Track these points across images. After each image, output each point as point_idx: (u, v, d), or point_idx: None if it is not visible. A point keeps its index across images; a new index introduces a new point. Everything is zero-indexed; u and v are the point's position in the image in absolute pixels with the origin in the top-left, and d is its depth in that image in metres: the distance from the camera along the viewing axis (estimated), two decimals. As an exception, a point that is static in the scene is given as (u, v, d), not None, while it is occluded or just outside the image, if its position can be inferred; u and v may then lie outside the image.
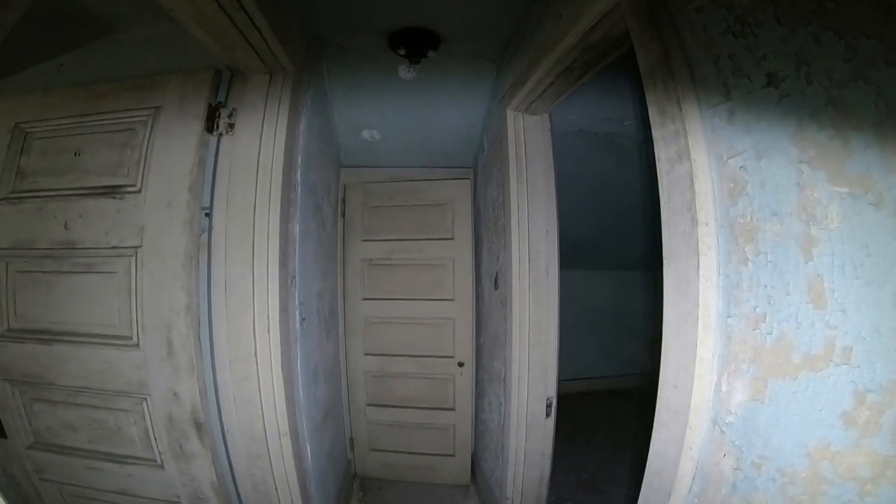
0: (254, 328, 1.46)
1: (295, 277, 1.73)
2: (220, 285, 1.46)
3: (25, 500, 1.61)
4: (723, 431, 0.78)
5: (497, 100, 2.06)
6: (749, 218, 0.71)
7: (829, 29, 0.59)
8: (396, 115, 2.44)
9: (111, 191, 1.41)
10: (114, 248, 1.40)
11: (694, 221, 0.78)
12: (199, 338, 1.41)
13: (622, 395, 4.56)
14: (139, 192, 1.39)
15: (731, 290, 0.75)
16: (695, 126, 0.80)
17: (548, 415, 1.95)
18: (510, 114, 1.88)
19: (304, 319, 1.86)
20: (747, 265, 0.72)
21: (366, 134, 2.56)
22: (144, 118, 1.42)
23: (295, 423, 1.63)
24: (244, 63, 1.44)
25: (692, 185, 0.79)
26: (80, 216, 1.42)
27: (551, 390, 1.92)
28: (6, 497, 1.61)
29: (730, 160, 0.75)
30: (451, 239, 2.74)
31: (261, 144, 1.48)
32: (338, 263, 2.80)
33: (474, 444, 2.88)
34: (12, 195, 1.47)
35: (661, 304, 0.92)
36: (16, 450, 1.55)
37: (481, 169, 2.57)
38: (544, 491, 2.06)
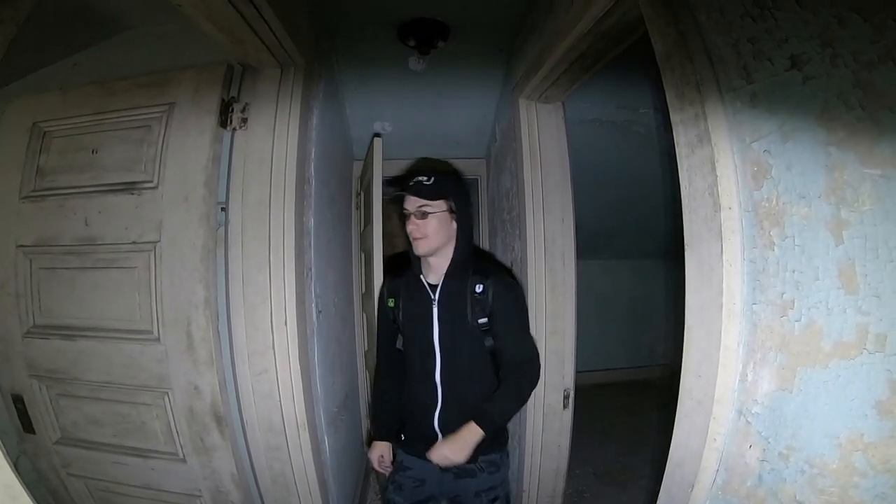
0: (271, 321, 1.47)
1: (311, 270, 1.73)
2: (237, 279, 1.47)
3: (54, 495, 1.64)
4: (748, 422, 0.76)
5: (509, 89, 2.04)
6: (775, 201, 0.69)
7: (852, 11, 0.56)
8: (407, 107, 2.43)
9: (129, 187, 1.42)
10: (133, 243, 1.42)
11: (716, 206, 0.76)
12: (218, 331, 1.42)
13: (640, 386, 4.52)
14: (156, 187, 1.40)
15: (757, 275, 0.73)
16: (715, 109, 0.78)
17: (565, 406, 1.93)
18: (523, 103, 1.85)
19: (320, 312, 1.87)
20: (773, 250, 0.69)
21: (377, 126, 2.55)
22: (159, 114, 1.42)
23: (313, 415, 1.65)
24: (255, 57, 1.44)
25: (714, 169, 0.76)
26: (99, 212, 1.43)
27: (569, 381, 1.90)
28: (36, 492, 1.64)
29: (753, 143, 0.72)
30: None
31: (274, 138, 1.48)
32: (353, 255, 2.80)
33: None
34: (33, 193, 1.49)
35: (681, 292, 0.90)
36: (44, 445, 1.58)
37: (494, 159, 2.55)
38: (561, 483, 2.06)
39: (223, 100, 1.43)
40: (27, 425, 1.56)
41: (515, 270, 2.09)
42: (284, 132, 1.49)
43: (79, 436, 1.55)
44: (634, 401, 4.17)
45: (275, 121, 1.48)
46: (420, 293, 1.42)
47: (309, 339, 1.69)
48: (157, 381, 1.44)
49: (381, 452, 1.55)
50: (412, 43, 1.83)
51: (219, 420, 1.43)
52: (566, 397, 1.92)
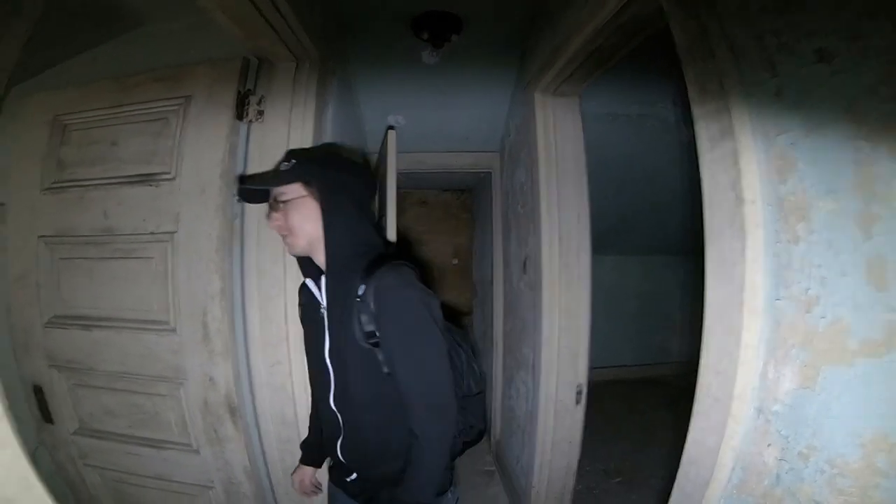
0: (285, 313, 1.48)
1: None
2: (252, 270, 1.48)
3: (70, 487, 1.65)
4: (768, 420, 0.75)
5: (524, 83, 2.03)
6: (800, 195, 0.67)
7: (881, 3, 0.55)
8: (421, 100, 2.42)
9: (147, 179, 1.44)
10: (151, 234, 1.43)
11: (739, 200, 0.74)
12: (233, 322, 1.44)
13: (652, 383, 4.49)
14: (173, 179, 1.42)
15: (780, 271, 0.71)
16: (738, 103, 0.76)
17: (577, 402, 1.92)
18: (538, 97, 1.84)
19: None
20: (798, 244, 0.68)
21: (391, 119, 2.55)
22: (176, 107, 1.43)
23: None
24: (270, 50, 1.45)
25: (737, 163, 0.75)
26: (118, 204, 1.45)
27: (582, 377, 1.89)
28: (53, 484, 1.66)
29: (778, 137, 0.71)
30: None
31: (290, 131, 1.48)
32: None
33: (500, 431, 2.87)
34: (54, 185, 1.51)
35: (694, 288, 0.89)
36: (62, 435, 1.59)
37: (508, 153, 2.54)
38: (571, 480, 2.05)
39: (239, 92, 1.43)
40: (46, 415, 1.58)
41: (529, 265, 2.08)
42: (300, 125, 1.49)
43: (95, 426, 1.57)
44: (644, 398, 4.15)
45: (290, 113, 1.49)
46: (311, 298, 1.16)
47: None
48: (172, 372, 1.45)
49: (301, 477, 1.38)
50: (425, 36, 1.82)
51: (233, 411, 1.44)
52: (579, 393, 1.91)
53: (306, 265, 1.17)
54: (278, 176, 1.08)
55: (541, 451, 1.97)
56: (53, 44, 1.47)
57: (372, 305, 1.00)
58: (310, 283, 1.15)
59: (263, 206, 1.45)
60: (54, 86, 1.55)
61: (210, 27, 1.34)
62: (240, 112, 1.44)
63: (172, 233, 1.41)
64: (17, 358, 1.57)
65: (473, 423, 1.22)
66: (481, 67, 2.17)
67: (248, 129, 1.48)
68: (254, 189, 1.14)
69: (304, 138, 1.49)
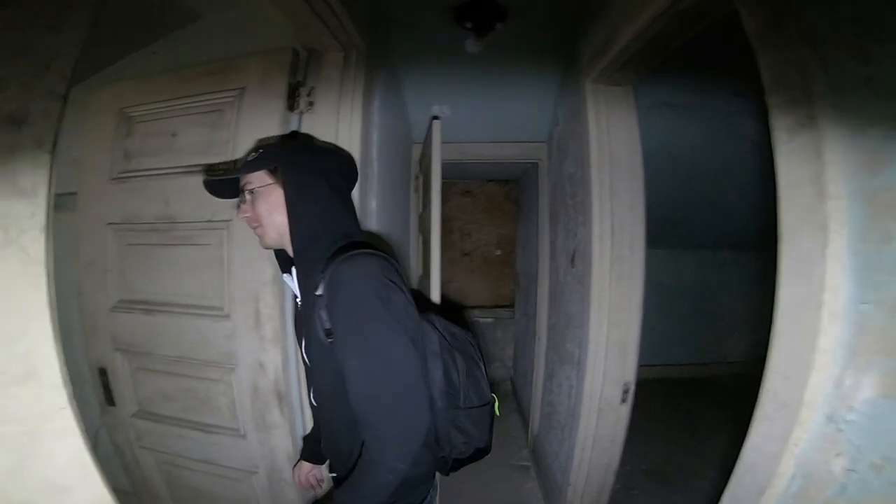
0: (334, 301, 1.50)
1: (372, 252, 1.76)
2: (302, 259, 1.52)
3: (126, 468, 1.73)
4: (840, 429, 0.70)
5: (573, 71, 1.97)
6: (894, 192, 0.62)
7: None
8: (465, 90, 2.40)
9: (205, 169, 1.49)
10: (208, 221, 1.49)
11: (821, 195, 0.69)
12: (284, 309, 1.47)
13: (700, 383, 4.32)
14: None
15: (867, 272, 0.66)
16: (820, 92, 0.70)
17: (623, 400, 1.88)
18: (589, 86, 1.78)
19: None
20: (890, 244, 0.63)
21: (436, 109, 2.55)
22: (231, 99, 1.48)
23: None
24: (318, 41, 1.46)
25: (820, 156, 0.69)
26: (177, 192, 1.51)
27: (629, 375, 1.84)
28: (110, 466, 1.72)
29: (869, 129, 0.65)
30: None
31: (339, 121, 1.49)
32: (412, 238, 2.83)
33: (538, 426, 2.85)
34: (121, 175, 1.59)
35: (755, 286, 0.84)
36: (122, 418, 1.67)
37: (556, 143, 2.48)
38: (610, 479, 2.00)
39: (290, 84, 1.46)
40: (109, 398, 1.66)
41: (578, 258, 2.03)
42: (348, 115, 1.50)
43: (152, 409, 1.64)
44: (692, 398, 4.01)
45: (339, 104, 1.50)
46: (292, 293, 1.12)
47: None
48: (225, 358, 1.50)
49: (299, 471, 1.38)
50: (469, 25, 1.79)
51: (280, 398, 1.47)
52: (626, 392, 1.86)
53: (282, 258, 1.10)
54: (245, 165, 1.02)
55: (581, 449, 1.94)
56: (117, 39, 1.55)
57: (326, 299, 0.91)
58: (286, 277, 1.09)
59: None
60: (119, 79, 1.63)
61: (260, 19, 1.37)
62: (291, 103, 1.46)
63: (228, 220, 1.46)
64: (86, 341, 1.66)
65: (469, 439, 1.09)
66: (527, 56, 2.12)
67: (300, 119, 1.50)
68: (223, 183, 1.08)
69: (352, 129, 1.50)
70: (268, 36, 1.50)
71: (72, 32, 0.51)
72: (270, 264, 1.43)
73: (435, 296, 1.96)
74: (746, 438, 0.88)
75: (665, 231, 3.72)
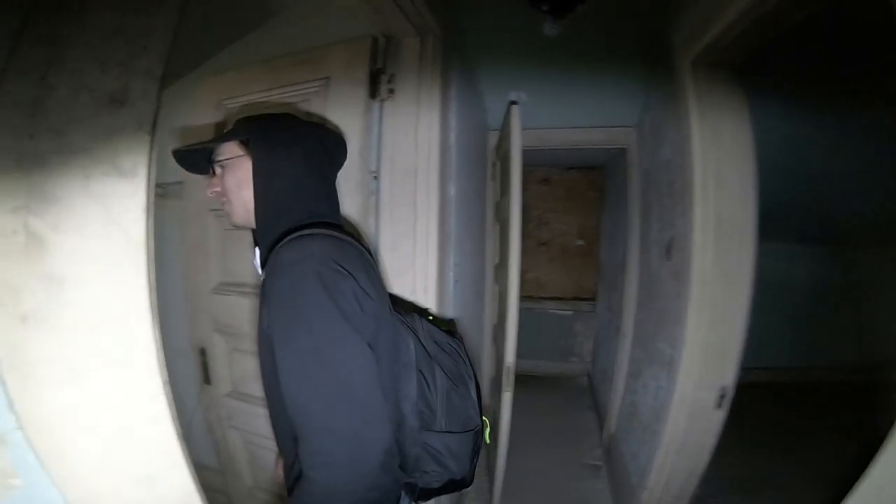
0: (413, 288, 1.51)
1: (451, 238, 1.74)
2: (386, 245, 1.53)
3: (215, 446, 1.84)
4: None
5: (666, 51, 1.79)
6: None
7: None
8: (543, 74, 2.28)
9: (295, 157, 1.54)
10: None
11: None
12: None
13: (802, 389, 3.85)
14: (317, 157, 1.50)
15: None
16: None
17: (719, 405, 1.70)
18: (688, 67, 1.60)
19: (457, 281, 1.89)
20: None
21: (513, 95, 2.45)
22: (317, 88, 1.51)
23: None
24: (395, 27, 1.45)
25: None
26: (272, 180, 1.58)
27: (728, 379, 1.66)
28: (202, 444, 1.84)
29: None
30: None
31: (419, 108, 1.49)
32: (488, 226, 2.79)
33: (615, 425, 2.72)
34: (222, 164, 1.70)
35: (872, 287, 0.68)
36: (216, 396, 1.77)
37: (649, 128, 2.30)
38: (692, 485, 1.86)
39: (371, 71, 1.46)
40: (206, 377, 1.77)
41: (675, 251, 1.86)
42: (427, 102, 1.49)
43: (242, 389, 1.73)
44: (792, 405, 3.62)
45: (418, 90, 1.49)
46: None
47: (445, 308, 1.72)
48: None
49: (277, 465, 1.15)
50: (545, 7, 1.68)
51: None
52: (722, 396, 1.69)
53: (254, 237, 0.98)
54: (216, 136, 0.94)
55: (664, 452, 1.81)
56: (213, 32, 1.63)
57: (266, 284, 0.80)
58: (255, 257, 0.96)
59: (395, 182, 1.51)
60: (216, 72, 1.72)
61: (338, 6, 1.37)
62: (373, 91, 1.47)
63: (318, 208, 1.50)
64: (191, 322, 1.79)
65: (443, 468, 0.93)
66: (610, 37, 1.96)
67: (381, 107, 1.51)
68: (197, 156, 0.97)
69: (432, 115, 1.49)
70: (347, 23, 1.51)
71: (164, 13, 0.52)
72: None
73: (513, 285, 1.91)
74: (880, 454, 0.74)
75: (775, 223, 3.32)
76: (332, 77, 1.49)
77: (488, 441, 0.99)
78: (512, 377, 1.94)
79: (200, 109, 1.72)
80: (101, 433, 0.57)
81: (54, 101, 0.51)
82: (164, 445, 0.61)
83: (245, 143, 0.90)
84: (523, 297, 2.24)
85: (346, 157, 1.05)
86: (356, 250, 0.84)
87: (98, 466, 0.57)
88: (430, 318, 1.08)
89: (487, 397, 2.84)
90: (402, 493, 0.93)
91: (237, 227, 0.97)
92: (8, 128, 0.50)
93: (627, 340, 2.64)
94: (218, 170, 0.94)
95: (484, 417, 1.03)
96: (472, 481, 1.00)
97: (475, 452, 0.99)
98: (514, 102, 2.13)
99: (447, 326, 1.09)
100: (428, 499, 0.97)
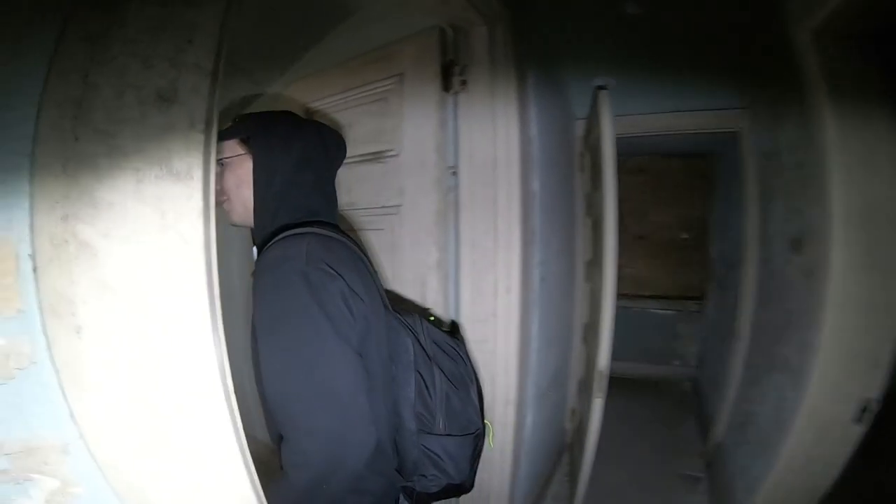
0: (496, 287, 1.45)
1: (535, 235, 1.66)
2: (466, 243, 1.49)
3: None
4: None
5: (780, 21, 1.54)
6: None
7: None
8: (631, 57, 2.08)
9: (377, 156, 1.56)
10: (382, 207, 1.55)
11: None
12: (447, 295, 1.46)
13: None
14: (398, 155, 1.50)
15: None
16: None
17: (858, 420, 1.44)
18: (810, 37, 1.35)
19: (543, 279, 1.79)
20: None
21: (599, 80, 2.27)
22: (392, 86, 1.50)
23: (523, 390, 1.59)
24: (461, 15, 1.40)
25: None
26: (356, 181, 1.61)
27: (874, 391, 1.39)
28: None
29: None
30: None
31: (493, 99, 1.43)
32: (577, 221, 2.62)
33: (723, 435, 2.45)
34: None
35: None
36: None
37: (763, 109, 2.01)
38: None
39: (442, 64, 1.42)
40: None
41: (806, 244, 1.59)
42: (502, 92, 1.42)
43: None
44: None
45: (492, 80, 1.43)
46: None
47: (530, 308, 1.63)
48: (397, 344, 1.56)
49: None
50: None
51: None
52: (864, 410, 1.42)
53: (252, 236, 0.99)
54: (223, 134, 0.93)
55: (783, 468, 1.59)
56: (295, 37, 1.67)
57: (255, 282, 0.80)
58: (255, 255, 0.96)
59: (474, 177, 1.45)
60: (301, 77, 1.79)
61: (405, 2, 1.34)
62: (445, 84, 1.43)
63: (398, 206, 1.50)
64: None
65: (441, 472, 0.91)
66: (704, 10, 1.70)
67: (456, 100, 1.47)
68: None
69: (508, 105, 1.42)
70: (415, 17, 1.47)
71: (210, 6, 0.50)
72: (436, 248, 1.43)
73: (609, 283, 1.78)
74: None
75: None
76: (405, 73, 1.47)
77: (491, 446, 0.98)
78: (605, 383, 1.80)
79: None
80: (160, 447, 0.56)
81: (98, 100, 0.50)
82: (227, 454, 0.59)
83: (245, 142, 0.90)
84: (619, 296, 2.06)
85: (345, 155, 1.04)
86: (347, 249, 0.84)
87: (155, 479, 0.56)
88: (432, 318, 1.05)
89: (572, 399, 2.69)
90: (401, 497, 0.93)
91: (235, 226, 0.97)
92: (51, 130, 0.50)
93: (743, 344, 2.35)
94: (217, 168, 0.91)
95: (486, 421, 1.00)
96: (472, 486, 0.98)
97: (475, 456, 0.97)
98: (602, 87, 1.97)
99: (449, 328, 1.06)
100: None
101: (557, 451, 2.60)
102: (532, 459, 1.95)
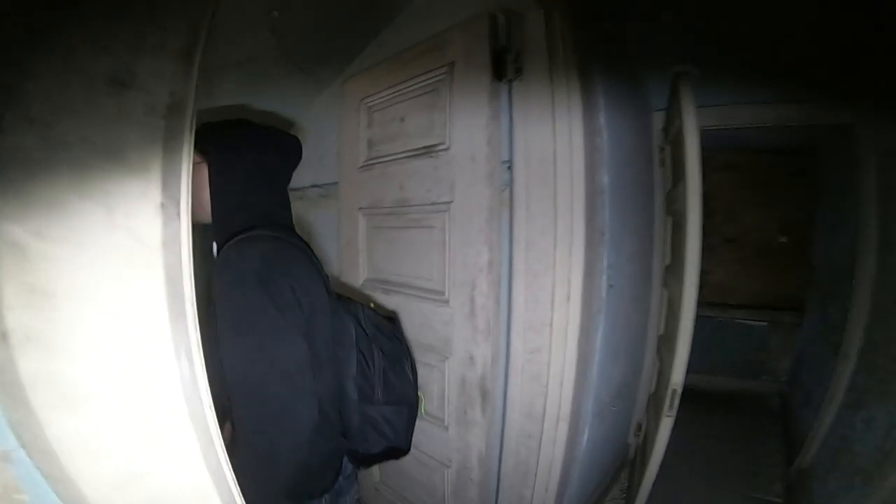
0: (553, 294, 1.33)
1: (604, 235, 1.51)
2: (520, 243, 1.38)
3: None
4: None
5: None
6: None
7: None
8: (715, 41, 1.85)
9: (428, 151, 1.48)
10: (433, 203, 1.48)
11: None
12: (499, 299, 1.36)
13: None
14: (448, 149, 1.42)
15: None
16: None
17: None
18: None
19: (611, 286, 1.62)
20: None
21: (678, 69, 2.04)
22: (442, 76, 1.43)
23: (579, 405, 1.46)
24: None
25: None
26: (408, 177, 1.55)
27: None
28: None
29: None
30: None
31: (552, 87, 1.30)
32: (657, 221, 2.37)
33: (811, 460, 2.17)
34: (366, 163, 1.73)
35: None
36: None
37: (883, 96, 1.69)
38: None
39: (494, 51, 1.32)
40: None
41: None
42: (562, 79, 1.29)
43: None
44: None
45: (550, 67, 1.30)
46: None
47: (594, 317, 1.49)
48: (442, 344, 1.49)
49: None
50: None
51: (484, 395, 1.39)
52: None
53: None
54: None
55: (883, 502, 1.34)
56: (351, 34, 1.66)
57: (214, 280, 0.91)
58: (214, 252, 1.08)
59: (530, 172, 1.33)
60: (358, 72, 1.76)
61: None
62: (498, 72, 1.32)
63: (449, 202, 1.43)
64: None
65: (381, 436, 1.08)
66: None
67: (510, 89, 1.36)
68: None
69: (571, 94, 1.28)
70: (463, 2, 1.40)
71: None
72: (487, 249, 1.34)
73: (690, 290, 1.60)
74: None
75: None
76: (455, 62, 1.38)
77: (423, 412, 1.18)
78: (676, 402, 1.61)
79: (347, 110, 1.78)
80: (109, 461, 0.52)
81: (33, 87, 0.43)
82: (192, 479, 0.55)
83: (201, 152, 0.97)
84: (702, 304, 1.82)
85: (300, 158, 1.12)
86: (296, 249, 0.97)
87: (109, 493, 0.52)
88: (372, 304, 1.17)
89: (639, 413, 2.47)
90: (346, 460, 1.08)
91: (197, 223, 1.02)
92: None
93: (849, 363, 2.03)
94: None
95: (419, 393, 1.16)
96: (409, 449, 1.14)
97: (410, 423, 1.13)
98: (683, 72, 1.76)
99: (388, 314, 1.25)
100: (370, 464, 1.13)
101: (616, 467, 2.42)
102: (584, 478, 1.81)
